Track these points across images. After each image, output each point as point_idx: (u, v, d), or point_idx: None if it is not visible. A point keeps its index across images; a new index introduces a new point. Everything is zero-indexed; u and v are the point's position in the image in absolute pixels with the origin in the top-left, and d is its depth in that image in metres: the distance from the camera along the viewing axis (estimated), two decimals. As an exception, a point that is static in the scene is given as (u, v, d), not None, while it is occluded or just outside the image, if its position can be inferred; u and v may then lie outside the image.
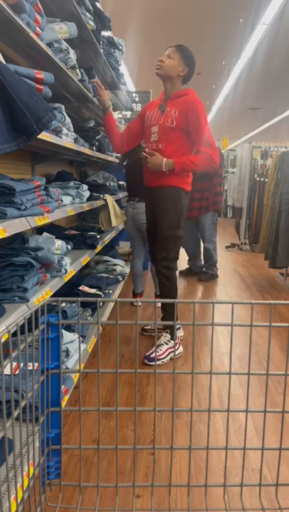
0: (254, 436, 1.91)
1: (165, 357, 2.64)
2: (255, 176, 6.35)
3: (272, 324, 1.26)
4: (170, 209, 2.57)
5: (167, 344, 2.69)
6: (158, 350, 2.64)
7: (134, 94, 6.35)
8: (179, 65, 2.46)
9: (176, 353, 2.66)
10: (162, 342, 2.70)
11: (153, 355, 2.60)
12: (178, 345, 2.74)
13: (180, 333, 2.94)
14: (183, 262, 5.17)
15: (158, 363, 2.58)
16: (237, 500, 1.49)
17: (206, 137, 2.46)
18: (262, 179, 5.88)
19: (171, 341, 2.69)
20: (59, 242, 2.10)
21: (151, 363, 2.57)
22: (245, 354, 2.80)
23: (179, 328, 2.93)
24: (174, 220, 2.58)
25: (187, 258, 4.98)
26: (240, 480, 1.39)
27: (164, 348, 2.66)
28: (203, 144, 2.47)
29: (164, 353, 2.64)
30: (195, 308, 1.24)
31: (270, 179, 4.50)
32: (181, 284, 4.57)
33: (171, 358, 2.65)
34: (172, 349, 2.65)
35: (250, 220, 6.40)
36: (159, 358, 2.61)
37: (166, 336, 2.73)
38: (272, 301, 1.24)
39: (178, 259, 2.71)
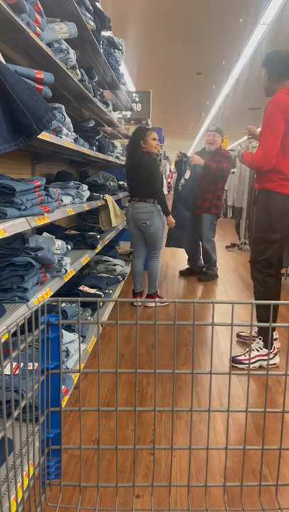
0: (254, 436, 1.91)
1: (252, 363, 2.53)
2: (255, 175, 6.33)
3: (272, 324, 1.26)
4: (260, 211, 2.57)
5: (258, 351, 2.57)
6: (247, 354, 2.55)
7: (134, 94, 6.36)
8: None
9: (271, 362, 2.53)
10: (253, 348, 2.59)
11: (240, 357, 2.55)
12: (273, 354, 2.56)
13: (276, 344, 2.67)
14: (183, 262, 5.18)
15: (242, 366, 2.50)
16: (237, 500, 1.49)
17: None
18: (262, 179, 5.86)
19: (263, 349, 2.57)
20: (59, 242, 2.11)
21: (235, 365, 2.52)
22: (245, 354, 2.79)
23: (276, 339, 2.70)
24: (264, 223, 2.52)
25: (187, 258, 4.98)
26: (240, 480, 1.39)
27: (253, 353, 2.55)
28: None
29: (252, 358, 2.51)
30: (195, 308, 1.24)
31: (270, 179, 4.49)
32: (181, 284, 4.57)
33: (260, 366, 2.54)
34: (263, 357, 2.53)
35: (250, 220, 6.40)
36: (244, 361, 2.52)
37: (258, 342, 2.61)
38: (272, 301, 1.24)
39: (273, 265, 2.55)
